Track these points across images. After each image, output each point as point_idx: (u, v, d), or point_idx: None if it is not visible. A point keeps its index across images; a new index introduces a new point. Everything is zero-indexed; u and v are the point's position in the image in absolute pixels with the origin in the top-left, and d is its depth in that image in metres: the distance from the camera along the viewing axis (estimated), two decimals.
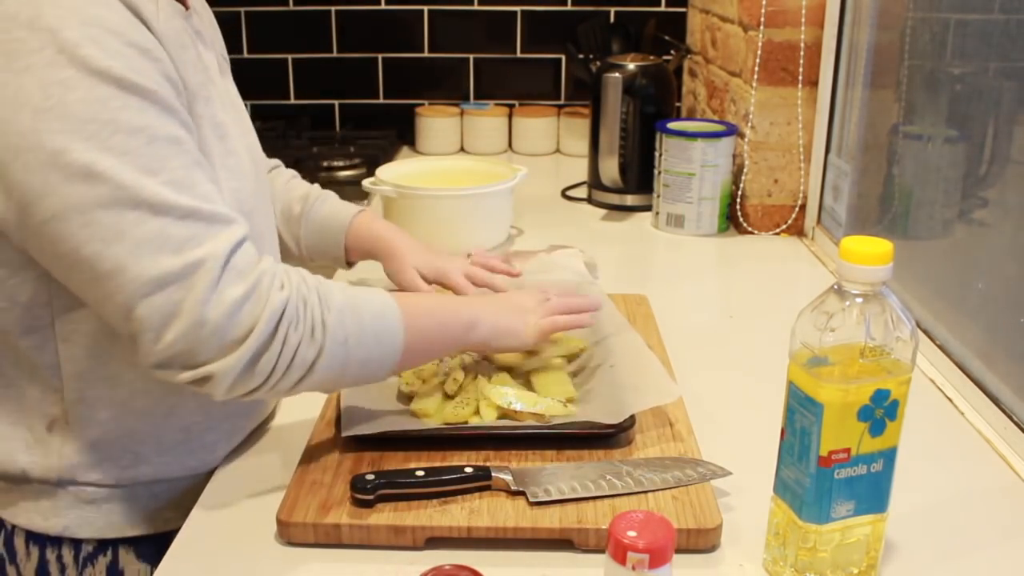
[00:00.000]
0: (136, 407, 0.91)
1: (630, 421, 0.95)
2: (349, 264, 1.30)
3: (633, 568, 0.65)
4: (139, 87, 0.77)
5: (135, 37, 0.78)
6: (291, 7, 2.32)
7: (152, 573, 0.98)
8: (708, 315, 1.42)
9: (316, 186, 1.30)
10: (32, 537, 0.96)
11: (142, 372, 0.82)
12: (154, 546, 0.98)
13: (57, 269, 0.80)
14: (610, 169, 1.76)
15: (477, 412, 0.99)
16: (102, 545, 0.96)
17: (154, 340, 0.77)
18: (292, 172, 1.30)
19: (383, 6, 2.32)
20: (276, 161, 1.30)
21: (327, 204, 1.27)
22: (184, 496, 0.97)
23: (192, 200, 0.78)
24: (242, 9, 2.30)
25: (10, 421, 0.91)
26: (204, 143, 0.87)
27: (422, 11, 2.32)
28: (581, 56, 2.14)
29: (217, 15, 1.06)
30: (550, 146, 2.32)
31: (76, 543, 0.96)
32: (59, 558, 0.97)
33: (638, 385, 0.99)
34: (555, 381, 1.04)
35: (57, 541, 0.96)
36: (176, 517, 0.97)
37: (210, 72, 0.93)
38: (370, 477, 0.85)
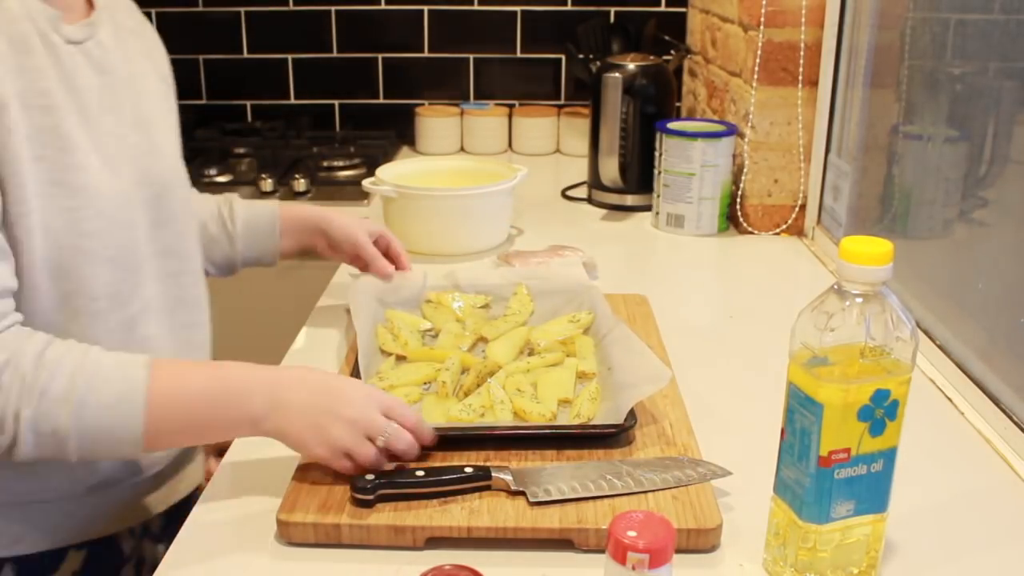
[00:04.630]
0: None
1: (631, 420, 0.95)
2: (283, 256, 1.26)
3: (633, 568, 0.65)
4: None
5: None
6: (291, 7, 2.32)
7: None
8: (708, 315, 1.42)
9: (214, 198, 1.24)
10: None
11: None
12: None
13: None
14: (610, 169, 1.76)
15: (483, 415, 0.99)
16: None
17: None
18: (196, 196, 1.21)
19: (383, 6, 2.32)
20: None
21: (240, 206, 1.24)
22: (11, 525, 0.94)
23: None
24: (242, 9, 2.30)
25: None
26: (11, 157, 0.82)
27: (422, 11, 2.32)
28: (581, 56, 2.14)
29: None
30: (550, 146, 2.32)
31: None
32: None
33: (634, 382, 0.99)
34: (557, 381, 1.04)
35: None
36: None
37: (77, 80, 0.90)
38: (370, 477, 0.85)
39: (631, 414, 0.95)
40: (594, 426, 0.96)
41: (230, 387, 0.86)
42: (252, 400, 0.85)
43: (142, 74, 1.01)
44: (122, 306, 0.94)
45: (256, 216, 1.24)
